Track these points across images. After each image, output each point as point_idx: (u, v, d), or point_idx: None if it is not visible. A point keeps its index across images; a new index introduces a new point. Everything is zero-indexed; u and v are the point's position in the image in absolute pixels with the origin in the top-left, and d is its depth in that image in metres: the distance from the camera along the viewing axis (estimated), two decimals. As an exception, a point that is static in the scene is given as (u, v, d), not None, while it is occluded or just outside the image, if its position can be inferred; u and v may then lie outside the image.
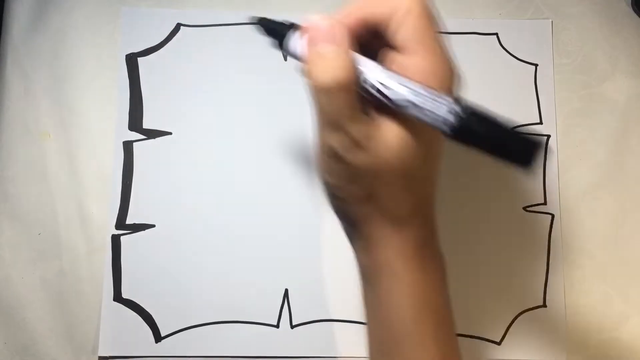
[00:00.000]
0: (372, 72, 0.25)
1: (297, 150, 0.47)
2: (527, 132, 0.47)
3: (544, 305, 0.45)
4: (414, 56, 0.26)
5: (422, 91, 0.24)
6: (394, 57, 0.27)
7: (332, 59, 0.26)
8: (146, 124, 0.47)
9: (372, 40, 0.28)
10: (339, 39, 0.27)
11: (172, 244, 0.45)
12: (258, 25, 0.31)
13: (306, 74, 0.27)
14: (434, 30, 0.27)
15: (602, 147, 0.47)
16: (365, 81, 0.25)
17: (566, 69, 0.49)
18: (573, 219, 0.47)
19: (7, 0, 0.48)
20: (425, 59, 0.26)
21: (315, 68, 0.27)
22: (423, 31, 0.26)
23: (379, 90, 0.25)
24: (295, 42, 0.28)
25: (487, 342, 0.45)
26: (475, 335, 0.45)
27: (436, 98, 0.25)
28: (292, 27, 0.28)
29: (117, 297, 0.44)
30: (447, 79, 0.27)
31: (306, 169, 0.46)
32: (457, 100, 0.25)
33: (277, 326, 0.44)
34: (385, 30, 0.27)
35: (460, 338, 0.44)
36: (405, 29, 0.26)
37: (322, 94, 0.26)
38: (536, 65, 0.48)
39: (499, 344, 0.45)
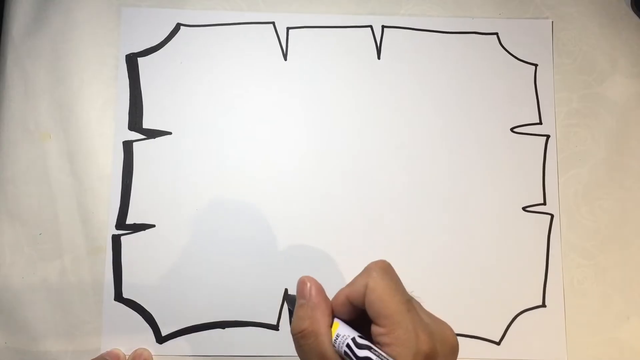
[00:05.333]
0: (346, 337, 0.30)
1: (297, 149, 0.47)
2: (526, 132, 0.48)
3: (543, 305, 0.45)
4: (382, 329, 0.30)
5: (384, 356, 0.28)
6: (374, 327, 0.31)
7: (301, 314, 0.32)
8: (146, 124, 0.47)
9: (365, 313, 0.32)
10: (314, 299, 0.33)
11: (173, 244, 0.45)
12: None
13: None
14: (398, 303, 0.30)
15: (602, 147, 0.47)
16: (339, 344, 0.30)
17: (566, 69, 0.49)
18: (572, 219, 0.47)
19: (7, 0, 0.48)
20: (390, 332, 0.29)
21: (292, 319, 0.33)
22: (386, 307, 0.30)
23: (347, 352, 0.29)
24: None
25: (486, 342, 0.45)
26: (475, 335, 0.45)
27: None
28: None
29: (118, 297, 0.44)
30: (412, 348, 0.29)
31: (306, 169, 0.46)
32: None
33: (277, 326, 0.45)
34: (363, 307, 0.31)
35: (460, 338, 0.44)
36: (370, 307, 0.30)
37: (293, 339, 0.32)
38: (536, 65, 0.48)
39: (498, 344, 0.45)
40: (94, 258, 0.45)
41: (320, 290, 0.36)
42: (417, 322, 0.29)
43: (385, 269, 0.33)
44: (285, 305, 0.45)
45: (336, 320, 0.31)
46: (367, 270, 0.34)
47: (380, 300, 0.30)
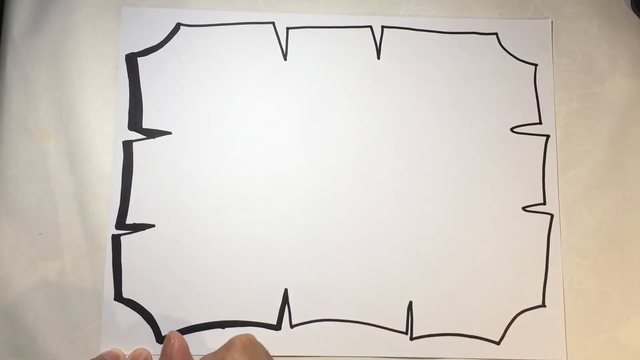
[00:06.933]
0: None
1: (297, 149, 0.47)
2: (526, 132, 0.48)
3: (543, 305, 0.45)
4: None
5: None
6: None
7: None
8: (146, 124, 0.47)
9: None
10: (174, 358, 0.36)
11: (172, 244, 0.45)
12: None
13: None
14: None
15: (602, 147, 0.47)
16: None
17: (566, 69, 0.49)
18: (572, 219, 0.47)
19: (7, 0, 0.48)
20: None
21: None
22: None
23: None
24: None
25: (486, 342, 0.45)
26: (475, 335, 0.45)
27: None
28: None
29: (118, 297, 0.44)
30: None
31: (306, 169, 0.46)
32: None
33: (277, 326, 0.45)
34: None
35: (459, 338, 0.45)
36: None
37: None
38: (536, 65, 0.49)
39: (498, 343, 0.45)
40: (94, 258, 0.45)
41: (183, 349, 0.36)
42: None
43: (246, 346, 0.33)
44: (286, 305, 0.45)
45: None
46: (229, 345, 0.34)
47: None
